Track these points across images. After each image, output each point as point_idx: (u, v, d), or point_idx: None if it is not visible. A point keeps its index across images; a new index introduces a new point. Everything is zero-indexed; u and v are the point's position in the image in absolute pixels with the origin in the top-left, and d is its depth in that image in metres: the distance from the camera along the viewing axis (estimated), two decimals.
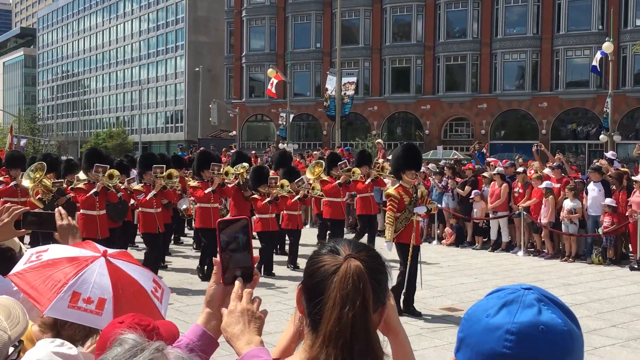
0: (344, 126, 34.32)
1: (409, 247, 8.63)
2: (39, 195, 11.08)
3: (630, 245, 13.12)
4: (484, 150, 19.91)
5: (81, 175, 11.06)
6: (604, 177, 13.30)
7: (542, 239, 13.80)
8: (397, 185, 8.90)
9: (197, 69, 59.15)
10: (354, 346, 1.42)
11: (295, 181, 12.10)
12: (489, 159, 17.68)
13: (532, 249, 14.17)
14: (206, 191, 11.06)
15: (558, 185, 13.74)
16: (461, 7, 44.23)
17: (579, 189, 13.36)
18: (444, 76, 45.08)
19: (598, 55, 28.48)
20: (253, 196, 11.33)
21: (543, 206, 13.57)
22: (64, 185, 11.39)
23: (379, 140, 27.18)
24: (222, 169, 11.48)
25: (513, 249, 14.28)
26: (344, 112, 28.92)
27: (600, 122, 35.14)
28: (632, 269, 12.08)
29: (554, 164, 14.65)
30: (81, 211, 9.98)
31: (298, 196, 11.91)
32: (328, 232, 13.38)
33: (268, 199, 11.20)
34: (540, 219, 13.53)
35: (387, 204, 8.82)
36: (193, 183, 11.30)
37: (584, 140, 41.57)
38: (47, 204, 10.67)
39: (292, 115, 37.59)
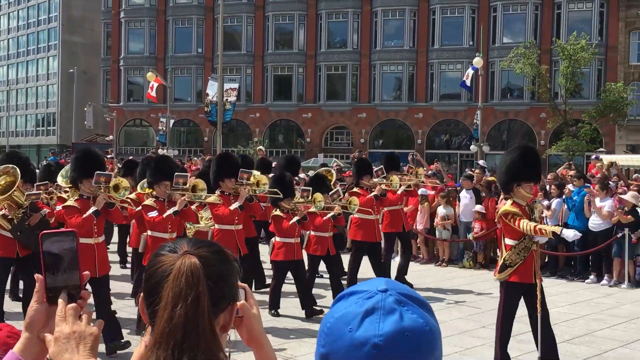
0: (225, 133, 34.06)
1: (531, 290, 6.34)
2: (3, 212, 7.81)
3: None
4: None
5: (59, 181, 8.92)
6: (475, 185, 14.01)
7: (418, 245, 14.32)
8: (510, 202, 6.54)
9: (71, 70, 56.70)
10: (184, 346, 1.34)
11: (330, 194, 9.41)
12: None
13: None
14: (232, 207, 8.31)
15: (433, 193, 14.31)
16: (342, 18, 45.20)
17: (452, 196, 13.99)
18: (325, 85, 45.87)
19: (470, 71, 30.05)
20: (275, 214, 8.69)
21: (419, 213, 14.08)
22: (43, 196, 8.51)
23: (261, 147, 27.18)
24: (251, 177, 8.81)
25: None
26: (226, 118, 28.69)
27: (470, 133, 37.05)
28: None
29: (429, 172, 15.25)
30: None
31: (332, 213, 9.04)
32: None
33: (297, 218, 8.54)
34: (415, 226, 14.03)
35: (504, 224, 6.51)
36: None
37: (456, 150, 43.62)
38: (15, 224, 7.77)
39: (172, 121, 36.87)
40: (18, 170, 7.77)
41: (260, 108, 46.82)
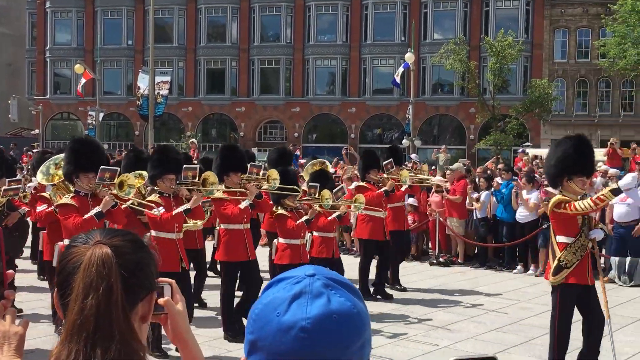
0: (157, 126, 33.48)
1: (586, 291, 5.94)
2: None
3: (430, 242, 14.19)
4: (297, 153, 20.48)
5: (39, 178, 7.59)
6: None
7: (352, 238, 14.46)
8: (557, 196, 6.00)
9: None
10: (96, 337, 1.31)
11: (334, 191, 8.46)
12: (301, 161, 18.23)
13: (343, 247, 14.80)
14: (242, 206, 7.29)
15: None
16: (275, 12, 45.05)
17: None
18: (259, 79, 45.65)
19: (400, 70, 30.53)
20: (279, 212, 7.74)
21: None
22: (25, 192, 7.56)
23: (193, 140, 26.87)
24: (260, 172, 7.90)
25: None
26: (158, 112, 28.22)
27: (403, 128, 37.65)
28: (431, 264, 13.04)
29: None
30: (64, 242, 6.25)
31: (338, 212, 8.22)
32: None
33: (306, 217, 7.71)
34: (350, 219, 14.16)
35: (556, 218, 5.99)
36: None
37: (389, 145, 44.17)
38: None
39: (102, 114, 35.96)
40: None
41: (193, 102, 46.22)
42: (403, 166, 11.23)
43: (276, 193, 7.71)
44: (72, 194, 6.43)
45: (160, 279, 1.52)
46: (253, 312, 1.19)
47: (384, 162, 9.83)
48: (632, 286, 10.88)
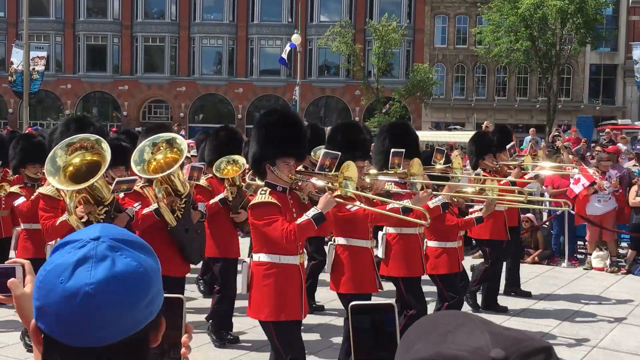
0: (33, 104, 31.92)
1: None
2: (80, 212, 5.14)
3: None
4: (182, 133, 20.17)
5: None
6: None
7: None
8: None
9: None
10: None
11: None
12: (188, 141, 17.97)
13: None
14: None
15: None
16: None
17: None
18: (143, 57, 44.36)
19: (287, 47, 30.67)
20: None
21: None
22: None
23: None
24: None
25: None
26: (33, 89, 26.88)
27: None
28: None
29: None
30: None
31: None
32: None
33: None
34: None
35: None
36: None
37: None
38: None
39: None
40: (106, 145, 4.77)
41: (72, 79, 44.25)
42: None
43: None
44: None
45: (13, 259, 1.51)
46: (38, 278, 1.17)
47: (508, 146, 8.06)
48: None
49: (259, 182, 5.30)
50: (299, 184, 4.64)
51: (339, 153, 4.78)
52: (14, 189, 6.72)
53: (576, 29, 32.98)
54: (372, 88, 37.51)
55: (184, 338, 1.46)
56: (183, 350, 1.47)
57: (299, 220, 4.32)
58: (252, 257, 4.55)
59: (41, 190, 5.35)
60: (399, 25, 36.54)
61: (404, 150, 5.39)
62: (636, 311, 7.83)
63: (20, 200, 6.35)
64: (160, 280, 1.23)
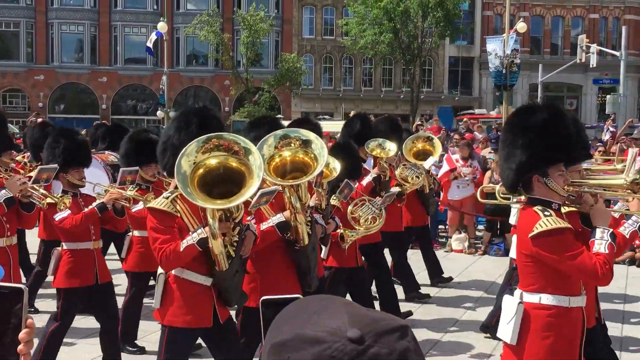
0: None
1: None
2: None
3: None
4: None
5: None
6: None
7: None
8: None
9: None
10: None
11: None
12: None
13: None
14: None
15: None
16: None
17: None
18: None
19: (153, 36, 29.90)
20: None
21: None
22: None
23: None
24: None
25: None
26: None
27: (157, 99, 36.94)
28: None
29: None
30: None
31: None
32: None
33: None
34: None
35: None
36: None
37: (143, 116, 43.11)
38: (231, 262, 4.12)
39: None
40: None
41: None
42: None
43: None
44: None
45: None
46: None
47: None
48: None
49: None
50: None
51: None
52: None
53: (436, 22, 34.54)
54: (242, 78, 37.37)
55: (22, 334, 1.41)
56: (20, 347, 1.42)
57: (596, 248, 3.29)
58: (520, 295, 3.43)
59: (153, 204, 4.01)
60: (267, 15, 36.60)
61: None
62: (492, 289, 8.41)
63: (64, 214, 5.13)
64: None
